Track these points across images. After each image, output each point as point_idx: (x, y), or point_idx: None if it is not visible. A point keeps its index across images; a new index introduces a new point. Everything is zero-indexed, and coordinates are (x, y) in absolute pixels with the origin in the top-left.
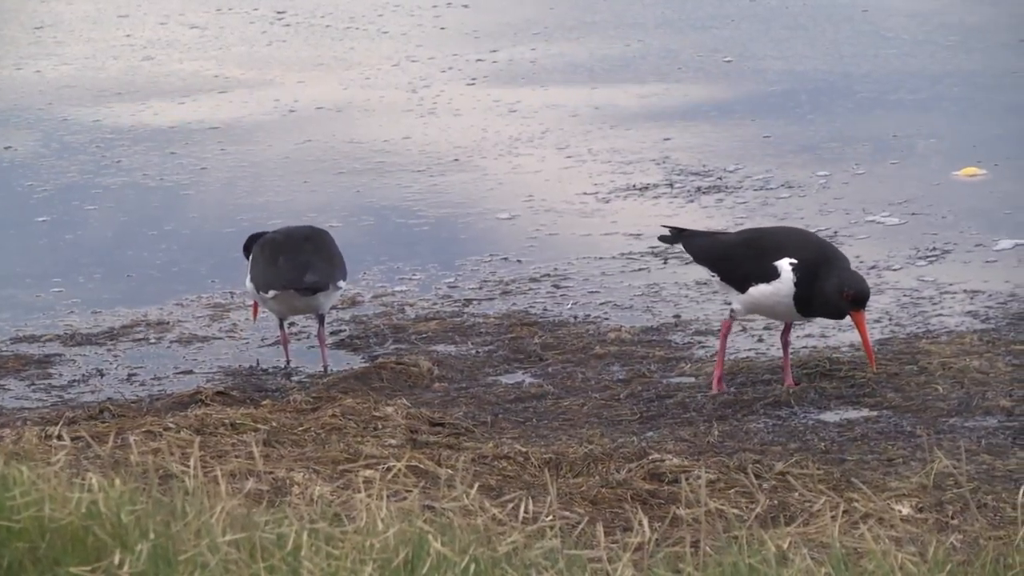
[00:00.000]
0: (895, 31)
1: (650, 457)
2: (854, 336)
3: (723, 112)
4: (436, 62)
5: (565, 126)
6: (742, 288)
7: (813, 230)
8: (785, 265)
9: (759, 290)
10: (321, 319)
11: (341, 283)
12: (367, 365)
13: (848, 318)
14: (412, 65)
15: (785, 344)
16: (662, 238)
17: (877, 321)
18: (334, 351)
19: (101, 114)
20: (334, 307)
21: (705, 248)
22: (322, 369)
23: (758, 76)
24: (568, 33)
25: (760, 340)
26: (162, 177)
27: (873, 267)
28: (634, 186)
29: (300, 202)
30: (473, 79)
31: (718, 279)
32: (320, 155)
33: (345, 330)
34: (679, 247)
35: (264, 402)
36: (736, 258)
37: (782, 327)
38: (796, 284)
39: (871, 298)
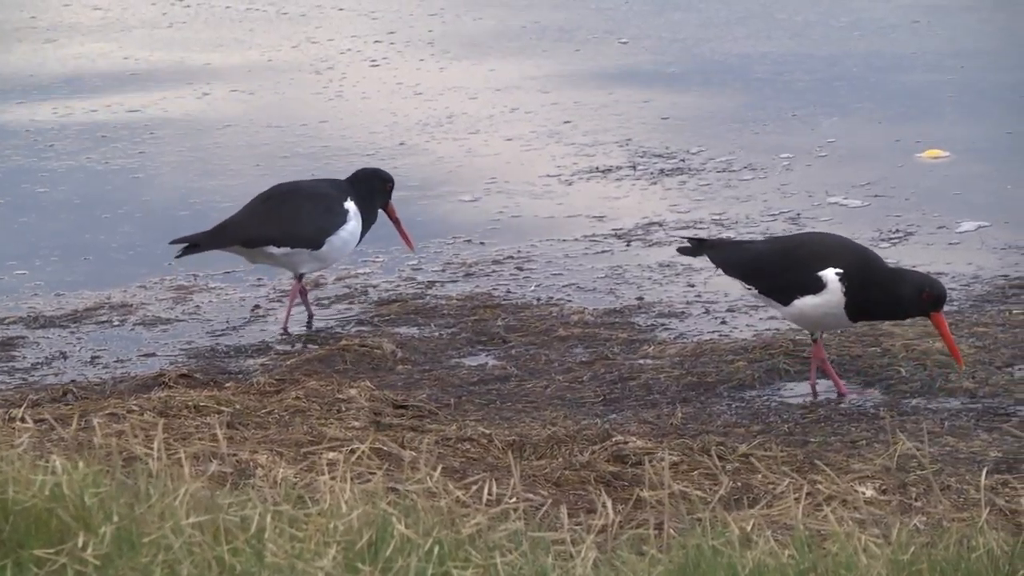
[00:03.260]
0: (787, 12)
1: (613, 439)
2: None
3: (622, 92)
4: (336, 44)
5: (469, 109)
6: (786, 301)
7: (777, 212)
8: (831, 275)
9: (805, 302)
10: (297, 277)
11: (274, 249)
12: (330, 347)
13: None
14: (312, 47)
15: (822, 360)
16: (681, 250)
17: None
18: (298, 333)
19: (20, 96)
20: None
21: (736, 260)
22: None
23: (655, 57)
24: (464, 14)
25: (723, 323)
26: (107, 161)
27: None
28: (597, 168)
29: (256, 185)
30: (375, 61)
31: (755, 292)
32: (250, 139)
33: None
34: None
35: (228, 384)
36: (774, 270)
37: (814, 339)
38: (845, 293)
39: None
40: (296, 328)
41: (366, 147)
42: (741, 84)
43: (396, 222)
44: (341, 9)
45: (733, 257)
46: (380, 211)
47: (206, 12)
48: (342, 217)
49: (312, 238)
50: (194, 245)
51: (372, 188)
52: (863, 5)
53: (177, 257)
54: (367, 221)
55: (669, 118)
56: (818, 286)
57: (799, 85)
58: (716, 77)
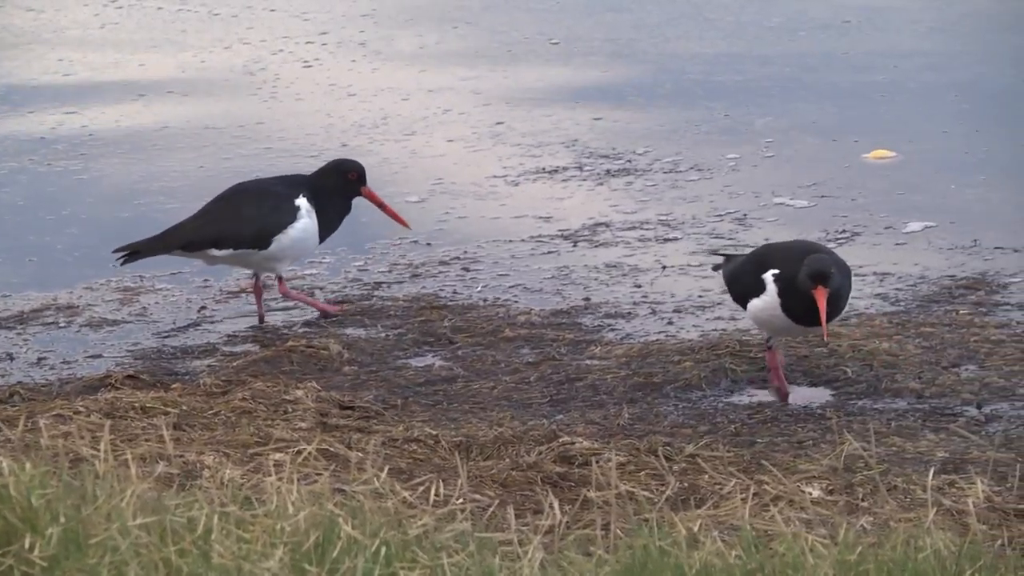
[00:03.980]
0: (718, 13)
1: (560, 440)
2: None
3: (554, 93)
4: (267, 44)
5: (403, 111)
6: (744, 305)
7: (723, 212)
8: (768, 277)
9: (753, 305)
10: (255, 276)
11: (216, 251)
12: (277, 348)
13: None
14: (244, 47)
15: (775, 368)
16: (716, 267)
17: None
18: (244, 334)
19: None
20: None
21: (726, 271)
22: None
23: (586, 58)
24: (396, 16)
25: (670, 323)
26: (49, 163)
27: None
28: (543, 169)
29: (201, 187)
30: (307, 62)
31: (730, 300)
32: (190, 141)
33: (253, 314)
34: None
35: (174, 385)
36: (740, 276)
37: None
38: (780, 295)
39: None
40: (244, 329)
41: (308, 148)
42: (673, 85)
43: (380, 206)
44: (272, 10)
45: (726, 268)
46: (363, 200)
47: (138, 13)
48: (290, 215)
49: (255, 238)
50: (135, 252)
51: (331, 183)
52: (795, 6)
53: (122, 264)
54: (327, 218)
55: (602, 119)
56: (760, 288)
57: (731, 85)
58: (648, 78)
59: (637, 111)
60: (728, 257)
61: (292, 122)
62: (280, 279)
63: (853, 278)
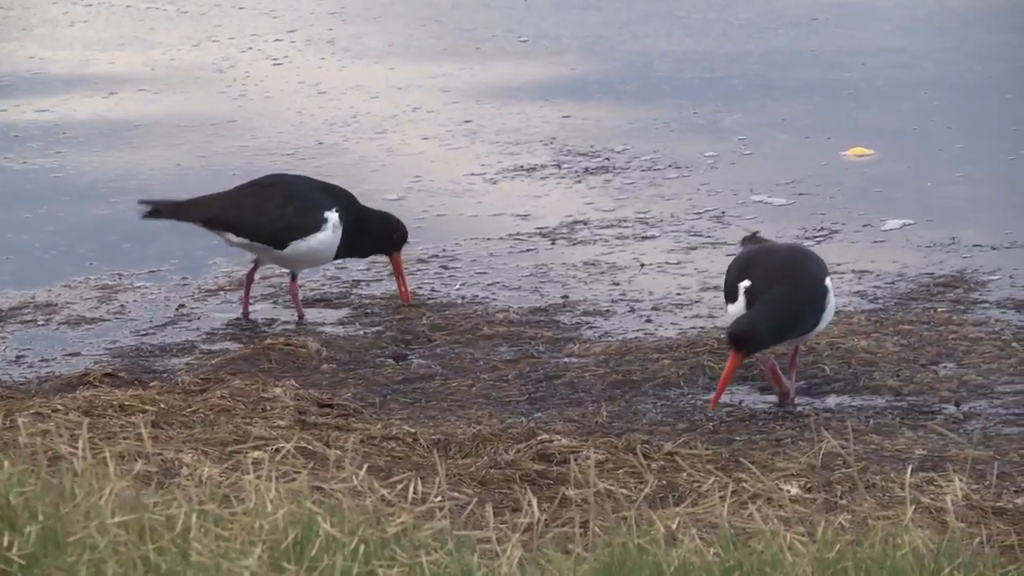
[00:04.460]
0: (686, 10)
1: (539, 438)
2: None
3: (523, 91)
4: (236, 42)
5: (372, 109)
6: (726, 308)
7: (702, 210)
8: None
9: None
10: (254, 264)
11: (233, 237)
12: (255, 346)
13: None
14: (213, 45)
15: (790, 365)
16: (743, 240)
17: None
18: (223, 332)
19: None
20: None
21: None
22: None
23: (555, 56)
24: (364, 13)
25: (648, 321)
26: (24, 161)
27: None
28: (522, 167)
29: (178, 184)
30: (276, 60)
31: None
32: (163, 139)
33: (231, 312)
34: None
35: (152, 383)
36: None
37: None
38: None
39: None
40: (222, 327)
41: (282, 147)
42: (641, 82)
43: (399, 276)
44: (241, 8)
45: (741, 250)
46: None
47: (107, 11)
48: (316, 224)
49: (274, 236)
50: (156, 211)
51: (372, 223)
52: (763, 4)
53: (142, 217)
54: (348, 243)
55: (571, 116)
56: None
57: (699, 83)
58: (616, 75)
59: (607, 109)
60: (751, 235)
61: (264, 120)
62: (293, 277)
63: (832, 280)
